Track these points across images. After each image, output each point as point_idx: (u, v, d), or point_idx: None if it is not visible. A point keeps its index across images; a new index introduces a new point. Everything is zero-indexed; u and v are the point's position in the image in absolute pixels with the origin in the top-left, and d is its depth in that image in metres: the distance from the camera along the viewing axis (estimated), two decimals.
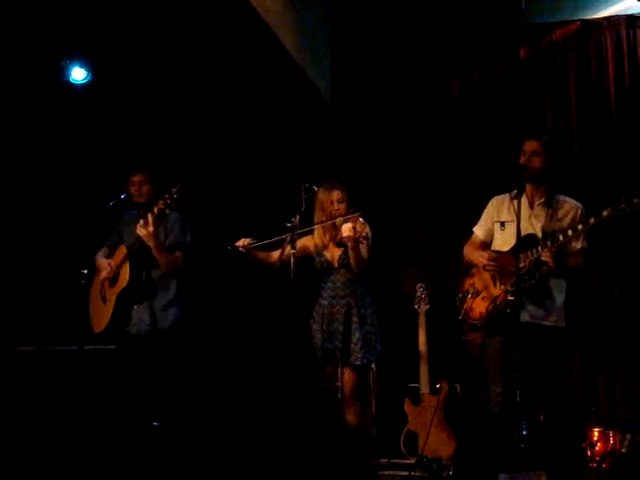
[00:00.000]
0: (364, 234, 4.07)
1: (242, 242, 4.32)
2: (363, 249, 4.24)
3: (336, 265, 4.36)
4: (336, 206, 4.33)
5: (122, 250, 4.27)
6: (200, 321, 4.79)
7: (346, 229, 4.06)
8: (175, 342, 4.19)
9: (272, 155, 5.84)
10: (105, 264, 4.30)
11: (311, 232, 4.40)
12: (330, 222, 4.31)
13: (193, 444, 4.30)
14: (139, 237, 4.09)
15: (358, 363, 4.23)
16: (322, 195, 4.35)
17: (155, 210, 4.01)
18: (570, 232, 3.77)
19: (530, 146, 3.94)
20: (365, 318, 4.29)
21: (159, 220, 4.12)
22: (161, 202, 3.97)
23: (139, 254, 4.16)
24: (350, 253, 4.20)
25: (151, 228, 4.02)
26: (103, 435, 4.18)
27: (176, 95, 5.46)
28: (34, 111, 5.19)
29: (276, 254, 4.28)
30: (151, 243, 4.08)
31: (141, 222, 4.04)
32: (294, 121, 5.84)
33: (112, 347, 4.40)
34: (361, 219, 4.22)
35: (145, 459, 3.92)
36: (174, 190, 3.94)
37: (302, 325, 4.34)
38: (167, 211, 4.05)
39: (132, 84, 5.34)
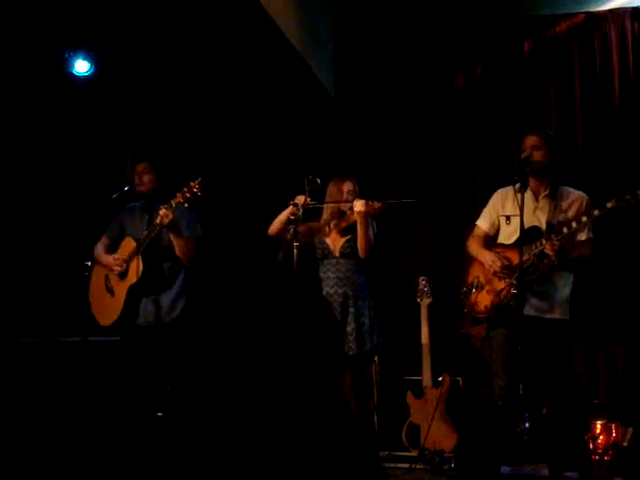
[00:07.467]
0: (376, 210, 4.08)
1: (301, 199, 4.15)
2: (371, 231, 4.24)
3: (337, 254, 4.34)
4: (345, 196, 4.33)
5: (129, 243, 4.19)
6: (206, 312, 4.77)
7: (359, 204, 4.08)
8: (181, 333, 4.16)
9: (274, 146, 5.83)
10: (111, 259, 4.21)
11: (318, 214, 4.39)
12: (337, 204, 4.32)
13: (198, 434, 4.29)
14: (151, 229, 4.03)
15: (351, 354, 4.20)
16: (332, 187, 4.37)
17: (173, 204, 3.92)
18: (574, 224, 3.73)
19: (530, 140, 3.92)
20: (362, 310, 4.27)
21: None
22: (179, 195, 3.89)
23: (150, 247, 4.11)
24: (359, 231, 4.17)
25: (171, 215, 3.92)
26: (107, 426, 4.18)
27: (178, 87, 5.45)
28: (37, 103, 5.18)
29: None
30: (173, 229, 4.01)
31: (162, 211, 3.94)
32: (296, 112, 5.82)
33: (117, 339, 4.35)
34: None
35: (150, 450, 3.91)
36: (193, 184, 3.85)
37: (305, 317, 4.32)
38: (186, 205, 3.94)
39: (135, 76, 5.33)
